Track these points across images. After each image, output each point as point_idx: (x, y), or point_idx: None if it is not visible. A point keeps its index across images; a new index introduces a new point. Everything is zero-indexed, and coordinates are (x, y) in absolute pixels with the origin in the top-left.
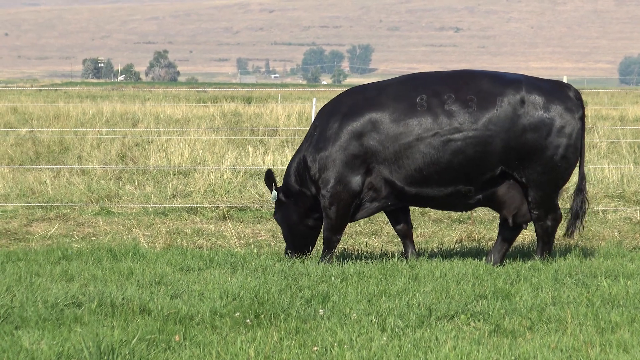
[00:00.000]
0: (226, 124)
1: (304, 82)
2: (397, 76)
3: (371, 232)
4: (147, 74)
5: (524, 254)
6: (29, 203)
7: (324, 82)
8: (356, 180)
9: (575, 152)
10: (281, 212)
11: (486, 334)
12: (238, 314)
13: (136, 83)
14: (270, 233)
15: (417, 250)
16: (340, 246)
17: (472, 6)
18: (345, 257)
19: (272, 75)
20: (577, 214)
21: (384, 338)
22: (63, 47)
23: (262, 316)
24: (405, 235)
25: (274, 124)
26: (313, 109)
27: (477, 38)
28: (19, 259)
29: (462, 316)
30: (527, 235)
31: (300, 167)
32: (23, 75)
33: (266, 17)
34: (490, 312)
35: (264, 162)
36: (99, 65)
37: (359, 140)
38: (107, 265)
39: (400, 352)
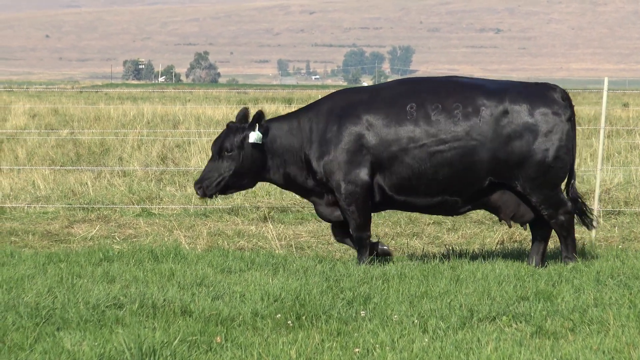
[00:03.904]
0: None
1: (345, 84)
2: (389, 80)
3: (412, 233)
4: (187, 76)
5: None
6: (70, 204)
7: (365, 84)
8: (364, 173)
9: (569, 152)
10: (247, 150)
11: (528, 336)
12: (279, 315)
13: (177, 84)
14: (312, 234)
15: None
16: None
17: (512, 7)
18: (386, 258)
19: (313, 77)
20: (581, 210)
21: (426, 340)
22: (104, 48)
23: (304, 317)
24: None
25: None
26: None
27: (517, 39)
28: (60, 260)
29: (504, 318)
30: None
31: (293, 135)
32: (64, 76)
33: (307, 19)
34: (532, 314)
35: None
36: (140, 66)
37: (359, 141)
38: (148, 267)
39: (442, 354)
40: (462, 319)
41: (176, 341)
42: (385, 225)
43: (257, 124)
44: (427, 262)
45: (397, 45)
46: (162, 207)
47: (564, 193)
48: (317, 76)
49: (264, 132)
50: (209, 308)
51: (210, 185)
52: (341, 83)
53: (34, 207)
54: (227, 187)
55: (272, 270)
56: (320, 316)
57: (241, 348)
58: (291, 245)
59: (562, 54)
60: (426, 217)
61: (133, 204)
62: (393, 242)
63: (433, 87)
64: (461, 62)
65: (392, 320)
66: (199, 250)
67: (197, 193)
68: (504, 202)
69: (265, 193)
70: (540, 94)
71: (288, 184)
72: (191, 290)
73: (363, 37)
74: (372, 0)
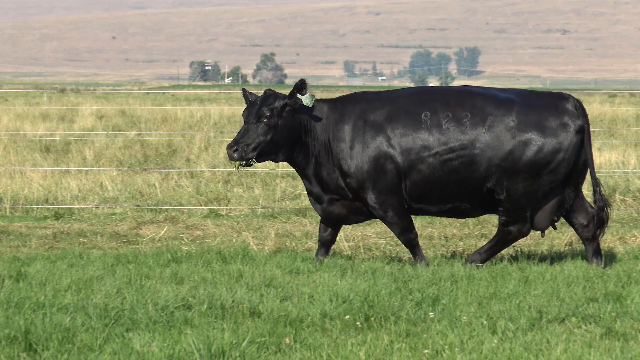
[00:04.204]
0: None
1: (412, 85)
2: (403, 87)
3: (480, 234)
4: (254, 77)
5: (635, 256)
6: (138, 206)
7: (431, 85)
8: (392, 179)
9: (568, 167)
10: (286, 119)
11: (597, 337)
12: (348, 316)
13: (243, 86)
14: (379, 235)
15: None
16: (449, 249)
17: (579, 8)
18: (455, 259)
19: (380, 78)
20: (601, 220)
21: (495, 341)
22: (170, 50)
23: (372, 319)
24: (325, 244)
25: None
26: None
27: (584, 40)
28: (128, 261)
29: (573, 319)
30: (638, 237)
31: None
32: (131, 78)
33: (373, 20)
34: (601, 315)
35: None
36: (206, 68)
37: (384, 150)
38: (216, 268)
39: (511, 355)
40: (531, 320)
41: (245, 342)
42: (453, 227)
43: (298, 92)
44: (495, 263)
45: (463, 47)
46: (230, 209)
47: (593, 202)
48: (384, 77)
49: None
50: (277, 309)
51: (247, 149)
52: (407, 84)
53: (102, 208)
54: (263, 153)
55: (341, 272)
56: (389, 317)
57: (310, 349)
58: (359, 247)
59: (630, 54)
60: (494, 219)
61: (201, 205)
62: (461, 243)
63: (444, 96)
64: (528, 63)
65: (461, 321)
66: (267, 251)
67: (232, 156)
68: None
69: None
70: (550, 104)
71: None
72: (260, 291)
73: (429, 38)
74: (438, 1)
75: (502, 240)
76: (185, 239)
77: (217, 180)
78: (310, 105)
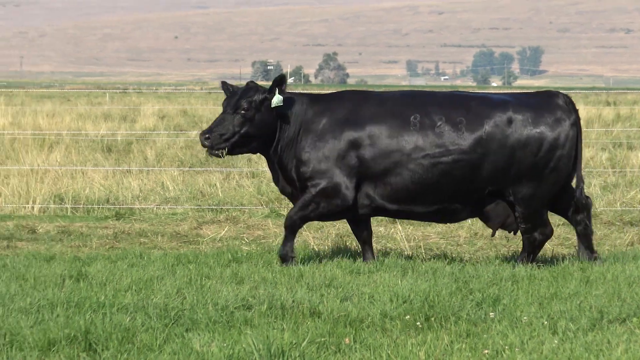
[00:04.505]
0: None
1: (474, 84)
2: (395, 90)
3: None
4: (316, 77)
5: None
6: (199, 206)
7: (494, 84)
8: (349, 190)
9: (568, 162)
10: (263, 113)
11: None
12: (408, 316)
13: (305, 85)
14: (440, 235)
15: (375, 257)
16: (510, 249)
17: None
18: (515, 259)
19: (442, 77)
20: (583, 220)
21: (555, 341)
22: (232, 49)
23: (432, 319)
24: (365, 242)
25: None
26: None
27: None
28: (189, 261)
29: (635, 319)
30: None
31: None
32: (193, 77)
33: (435, 19)
34: None
35: None
36: (268, 67)
37: (356, 151)
38: (277, 268)
39: (571, 356)
40: (592, 321)
41: (305, 342)
42: None
43: (277, 88)
44: (556, 263)
45: (526, 46)
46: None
47: (574, 197)
48: (446, 77)
49: (287, 101)
50: (337, 309)
51: (219, 139)
52: (470, 84)
53: (163, 208)
54: (235, 145)
55: (401, 272)
56: (449, 317)
57: (370, 349)
58: (420, 247)
59: None
60: (556, 219)
61: (262, 205)
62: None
63: (437, 99)
64: (591, 62)
65: (521, 321)
66: (328, 251)
67: (203, 143)
68: (495, 211)
69: None
70: (542, 102)
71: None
72: (320, 291)
73: (492, 37)
74: (501, 1)
75: (530, 250)
76: (245, 239)
77: None
78: (279, 104)
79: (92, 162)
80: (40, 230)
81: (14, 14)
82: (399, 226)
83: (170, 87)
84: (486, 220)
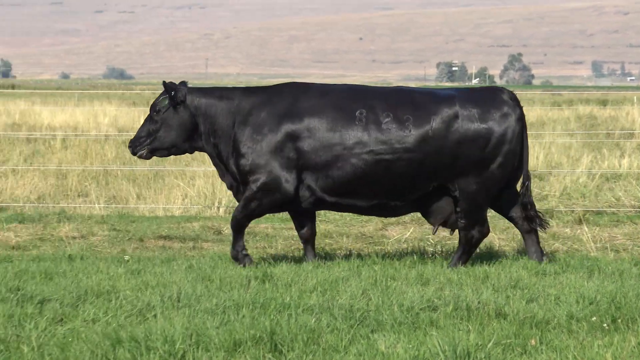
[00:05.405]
0: (581, 127)
1: None
2: (339, 83)
3: None
4: (501, 77)
5: None
6: None
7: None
8: (289, 183)
9: (514, 157)
10: (173, 114)
11: None
12: (595, 318)
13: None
14: (627, 237)
15: (316, 255)
16: None
17: None
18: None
19: (628, 78)
20: (530, 216)
21: None
22: (416, 50)
23: (619, 320)
24: (308, 241)
25: (630, 126)
26: None
27: None
28: (374, 262)
29: None
30: None
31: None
32: (377, 79)
33: (621, 20)
34: None
35: (620, 166)
36: (453, 68)
37: (294, 143)
38: (462, 269)
39: None
40: None
41: (490, 344)
42: None
43: (171, 92)
44: None
45: None
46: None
47: (521, 194)
48: (633, 77)
49: (196, 102)
50: (523, 310)
51: (139, 145)
52: None
53: None
54: (155, 149)
55: (587, 273)
56: (637, 319)
57: (556, 351)
58: (606, 248)
59: None
60: None
61: None
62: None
63: (383, 95)
64: None
65: None
66: (513, 252)
67: (128, 148)
68: (439, 207)
69: (580, 195)
70: (488, 97)
71: (216, 157)
72: (505, 292)
73: None
74: None
75: (467, 248)
76: (430, 240)
77: None
78: (189, 105)
79: None
80: (226, 232)
81: (199, 16)
82: (585, 227)
83: None
84: (427, 216)
